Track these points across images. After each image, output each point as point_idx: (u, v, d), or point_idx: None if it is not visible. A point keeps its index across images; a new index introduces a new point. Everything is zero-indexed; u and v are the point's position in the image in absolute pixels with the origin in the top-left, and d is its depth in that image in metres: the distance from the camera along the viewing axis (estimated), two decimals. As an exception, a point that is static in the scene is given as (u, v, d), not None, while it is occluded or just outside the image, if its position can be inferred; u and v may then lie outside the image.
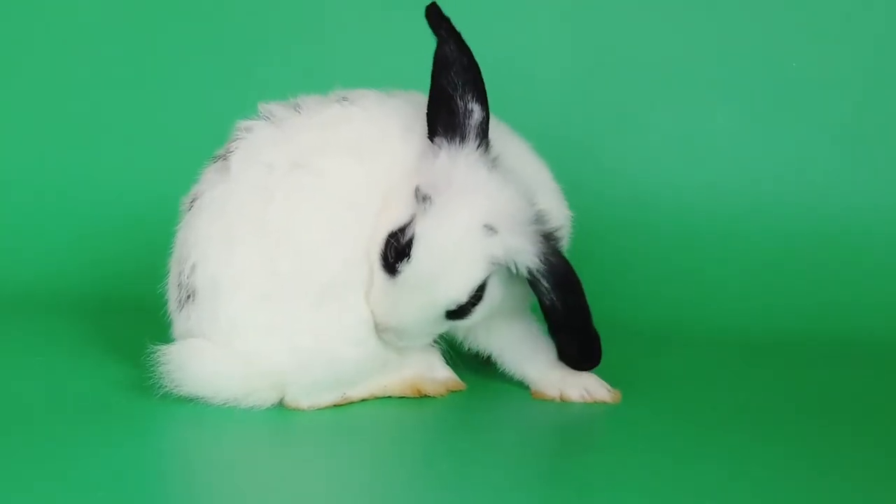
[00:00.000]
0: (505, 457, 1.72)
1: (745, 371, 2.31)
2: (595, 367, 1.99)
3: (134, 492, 1.48)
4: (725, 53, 3.05)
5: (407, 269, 1.79)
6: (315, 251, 1.81)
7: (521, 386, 2.07)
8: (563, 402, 2.01)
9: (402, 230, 1.81)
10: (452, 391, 2.03)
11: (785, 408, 2.03)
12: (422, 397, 1.99)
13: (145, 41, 3.23)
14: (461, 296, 1.82)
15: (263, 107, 1.95)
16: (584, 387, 2.02)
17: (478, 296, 1.84)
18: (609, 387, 2.04)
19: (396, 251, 1.80)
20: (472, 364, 2.10)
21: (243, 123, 1.92)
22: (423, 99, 1.97)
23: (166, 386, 1.82)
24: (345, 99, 1.95)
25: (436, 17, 1.87)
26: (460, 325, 1.92)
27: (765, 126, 3.03)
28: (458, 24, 1.86)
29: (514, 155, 1.95)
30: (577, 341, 1.93)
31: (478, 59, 1.85)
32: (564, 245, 1.98)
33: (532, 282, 1.83)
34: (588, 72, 3.10)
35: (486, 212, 1.80)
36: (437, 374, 2.02)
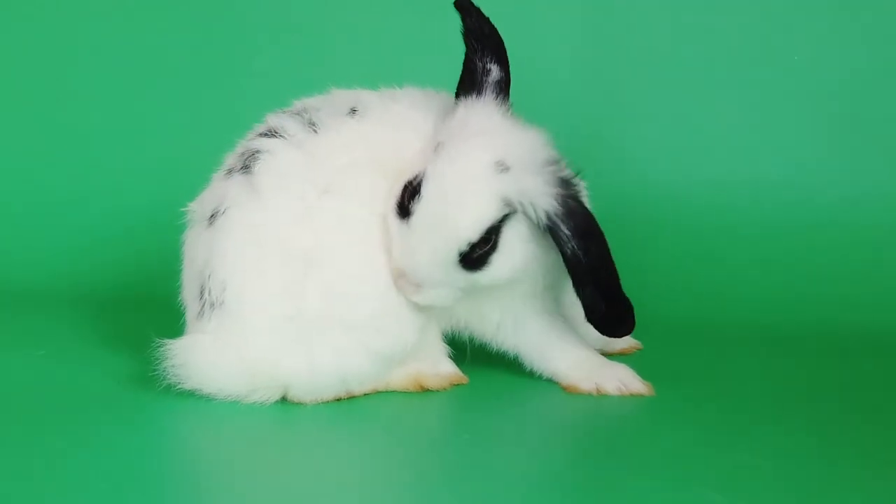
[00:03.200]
0: (507, 450, 1.72)
1: (763, 363, 2.30)
2: (630, 331, 1.92)
3: (138, 483, 1.49)
4: (728, 49, 3.05)
5: (418, 208, 1.79)
6: (346, 291, 1.82)
7: (523, 380, 2.08)
8: (566, 395, 2.01)
9: (416, 176, 1.82)
10: (455, 385, 2.04)
11: (803, 398, 2.02)
12: (424, 391, 2.00)
13: (151, 42, 3.26)
14: (471, 232, 1.78)
15: (274, 120, 1.94)
16: (620, 379, 2.01)
17: (493, 242, 1.81)
18: (641, 379, 2.03)
19: (409, 193, 1.81)
20: (473, 359, 2.11)
21: (263, 142, 1.90)
22: (420, 94, 2.01)
23: (171, 380, 1.83)
24: (354, 110, 1.95)
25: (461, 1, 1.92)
26: (482, 282, 1.84)
27: (772, 121, 3.03)
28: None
29: None
30: (603, 298, 1.84)
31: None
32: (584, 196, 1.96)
33: (551, 228, 1.79)
34: (592, 68, 3.11)
35: (497, 149, 1.80)
36: (441, 368, 2.03)
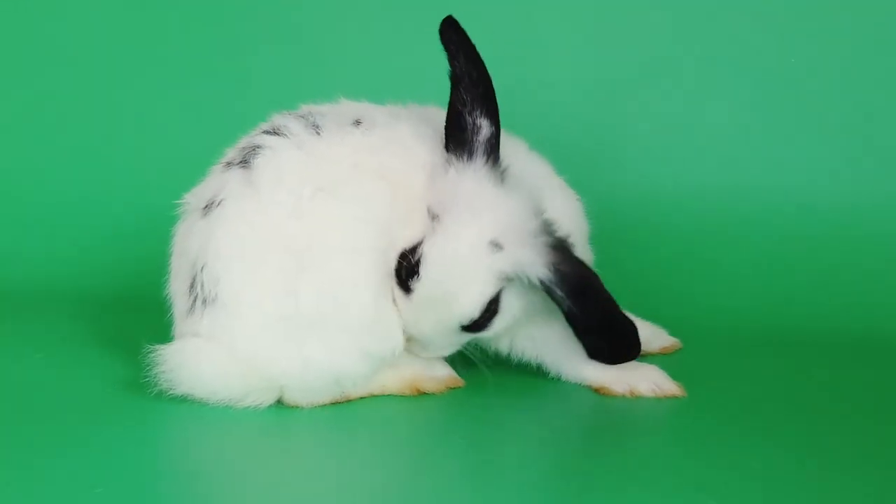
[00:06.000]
0: (503, 453, 1.73)
1: (762, 368, 2.29)
2: (636, 355, 1.97)
3: (132, 488, 1.50)
4: (727, 54, 3.05)
5: (418, 288, 1.83)
6: (339, 292, 1.82)
7: (519, 382, 2.08)
8: (564, 394, 2.03)
9: (412, 250, 1.84)
10: (451, 388, 2.04)
11: (802, 403, 2.02)
12: (420, 395, 2.00)
13: (150, 44, 3.26)
14: (473, 312, 1.84)
15: (278, 119, 1.95)
16: (653, 380, 2.03)
17: (493, 309, 1.86)
18: (673, 380, 2.05)
19: (407, 270, 1.84)
20: (471, 361, 2.11)
21: (265, 139, 1.91)
22: (423, 112, 2.03)
23: (164, 385, 1.83)
24: (358, 122, 1.96)
25: (447, 32, 1.89)
26: (484, 337, 1.94)
27: (771, 127, 3.02)
28: (469, 33, 1.88)
29: (512, 156, 1.95)
30: (605, 340, 1.91)
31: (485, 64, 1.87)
32: (583, 240, 2.01)
33: (547, 291, 1.84)
34: (590, 71, 3.11)
35: (491, 228, 1.82)
36: (437, 372, 2.03)
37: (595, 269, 1.91)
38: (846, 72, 2.99)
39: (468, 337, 1.93)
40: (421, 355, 1.95)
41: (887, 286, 2.77)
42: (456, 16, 1.90)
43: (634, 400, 2.01)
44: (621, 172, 3.04)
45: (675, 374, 2.10)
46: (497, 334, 1.95)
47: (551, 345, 2.04)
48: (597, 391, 2.04)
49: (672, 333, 2.42)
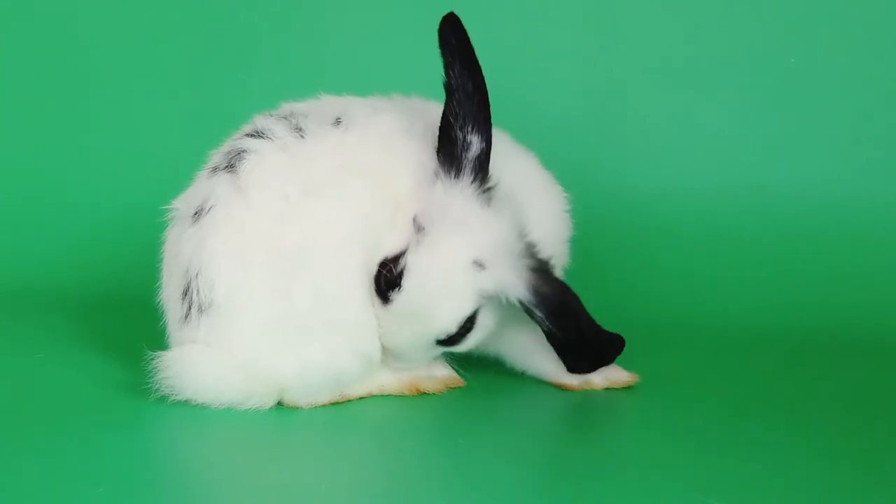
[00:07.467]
0: (502, 454, 1.73)
1: (754, 367, 2.30)
2: (611, 361, 2.01)
3: (134, 487, 1.50)
4: (725, 54, 3.05)
5: (398, 300, 1.83)
6: (333, 292, 1.82)
7: (519, 382, 2.09)
8: (563, 394, 2.05)
9: (394, 260, 1.84)
10: (451, 388, 2.04)
11: (794, 401, 2.03)
12: (420, 395, 2.00)
13: (140, 45, 3.27)
14: (450, 327, 1.85)
15: (261, 122, 1.95)
16: (604, 373, 2.08)
17: (468, 326, 1.88)
18: (625, 370, 2.10)
19: (388, 281, 1.84)
20: (469, 361, 2.11)
21: (250, 143, 1.90)
22: (407, 103, 2.03)
23: (165, 391, 1.83)
24: (339, 121, 1.95)
25: (446, 33, 1.85)
26: (457, 351, 1.95)
27: (767, 128, 3.03)
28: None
29: (497, 150, 1.91)
30: (584, 358, 1.95)
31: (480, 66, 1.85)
32: (564, 241, 2.03)
33: (527, 311, 1.86)
34: (586, 74, 3.11)
35: (475, 248, 1.83)
36: (437, 372, 2.04)
37: (572, 286, 1.91)
38: (846, 72, 3.00)
39: (442, 350, 1.94)
40: (394, 366, 1.96)
41: (887, 286, 2.78)
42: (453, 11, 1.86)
43: (633, 399, 2.02)
44: (620, 173, 3.04)
45: (671, 374, 2.14)
46: (470, 347, 1.96)
47: (512, 338, 2.05)
48: (556, 386, 2.09)
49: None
